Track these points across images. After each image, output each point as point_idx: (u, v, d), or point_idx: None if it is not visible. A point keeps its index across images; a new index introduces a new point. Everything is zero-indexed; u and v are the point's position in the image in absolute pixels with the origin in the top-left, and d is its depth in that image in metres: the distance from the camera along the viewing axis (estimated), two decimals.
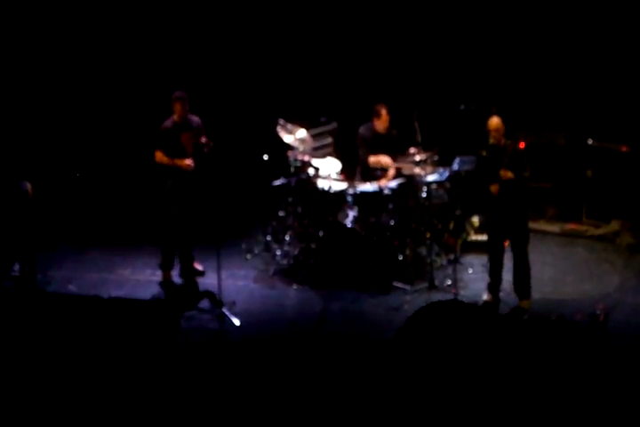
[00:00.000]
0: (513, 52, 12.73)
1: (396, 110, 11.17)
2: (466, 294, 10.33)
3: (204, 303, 10.21)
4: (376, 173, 11.21)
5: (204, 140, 10.21)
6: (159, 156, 10.39)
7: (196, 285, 10.65)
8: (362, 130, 11.26)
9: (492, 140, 9.76)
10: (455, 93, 12.47)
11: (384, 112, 11.02)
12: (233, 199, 11.85)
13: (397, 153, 11.10)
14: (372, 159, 11.17)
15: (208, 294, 10.32)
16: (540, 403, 7.61)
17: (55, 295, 9.93)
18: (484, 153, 9.87)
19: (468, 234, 11.59)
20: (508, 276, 10.13)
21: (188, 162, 10.31)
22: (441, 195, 11.32)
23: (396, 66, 13.19)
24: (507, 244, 10.15)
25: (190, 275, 10.71)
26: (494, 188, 9.71)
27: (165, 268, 10.67)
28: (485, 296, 10.14)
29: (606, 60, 12.35)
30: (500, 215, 9.87)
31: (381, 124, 11.07)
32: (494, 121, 9.75)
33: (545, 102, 12.58)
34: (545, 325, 8.81)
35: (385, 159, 11.10)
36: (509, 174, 9.65)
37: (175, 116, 10.37)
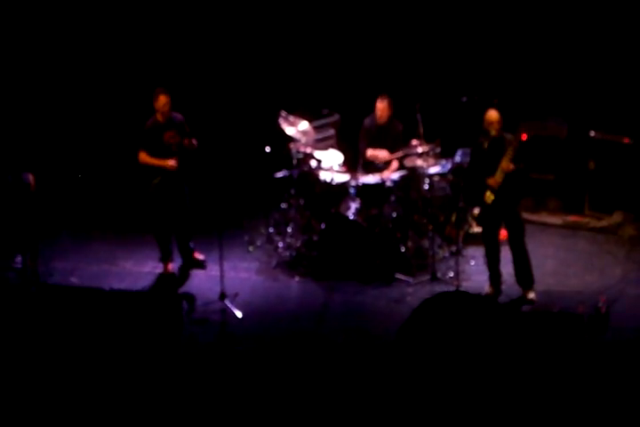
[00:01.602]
0: (515, 43, 12.70)
1: (399, 102, 11.16)
2: (468, 285, 10.33)
3: (206, 296, 10.21)
4: (378, 166, 11.20)
5: (186, 141, 10.22)
6: (142, 156, 10.36)
7: (197, 277, 10.67)
8: (366, 122, 11.28)
9: (493, 133, 9.71)
10: (457, 85, 12.45)
11: (378, 103, 11.01)
12: (235, 191, 11.86)
13: (398, 146, 11.07)
14: (369, 153, 11.18)
15: (186, 296, 10.30)
16: (542, 395, 7.61)
17: (57, 287, 9.94)
18: (486, 145, 9.82)
19: (470, 226, 11.58)
20: (510, 268, 10.13)
21: (171, 162, 10.28)
22: (443, 187, 11.30)
23: (398, 58, 13.17)
24: (503, 237, 10.16)
25: (190, 267, 10.73)
26: (493, 181, 9.68)
27: (165, 259, 10.68)
28: (487, 289, 10.14)
29: (609, 52, 12.32)
30: (494, 206, 9.84)
31: (377, 113, 11.07)
32: (494, 114, 9.70)
33: (547, 94, 12.56)
34: (547, 317, 8.81)
35: (382, 154, 11.09)
36: (511, 167, 9.63)
37: (158, 115, 10.32)
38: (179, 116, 10.49)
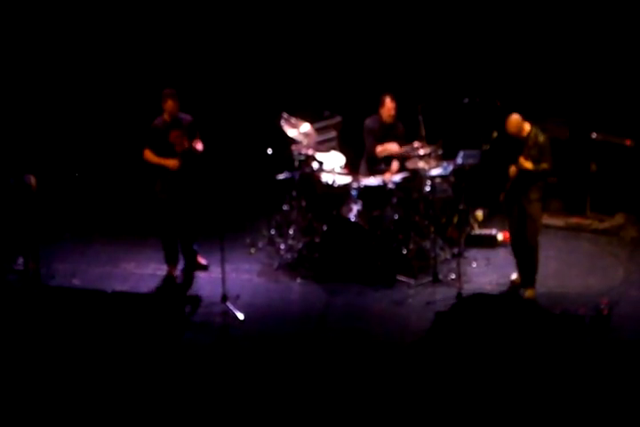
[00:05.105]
0: (517, 45, 12.71)
1: (401, 104, 11.17)
2: (470, 287, 10.32)
3: (208, 298, 10.21)
4: (380, 167, 11.21)
5: (186, 143, 10.20)
6: (147, 154, 10.37)
7: (198, 279, 10.67)
8: (368, 122, 11.28)
9: (524, 135, 9.73)
10: (459, 87, 12.45)
11: (387, 100, 11.05)
12: (237, 193, 11.86)
13: (403, 144, 11.11)
14: (380, 149, 11.19)
15: (210, 289, 10.31)
16: (543, 396, 7.62)
17: (59, 289, 9.97)
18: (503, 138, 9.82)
19: (471, 228, 11.58)
20: (510, 270, 10.14)
21: (173, 162, 10.26)
22: (445, 189, 11.30)
23: (400, 59, 13.17)
24: (506, 238, 10.16)
25: (193, 269, 10.72)
26: (513, 170, 9.69)
27: (170, 262, 10.67)
28: (514, 276, 10.19)
29: (610, 54, 12.32)
30: (511, 204, 9.88)
31: (386, 112, 11.09)
32: (517, 118, 9.72)
33: (549, 96, 12.56)
34: (549, 319, 8.82)
35: (392, 146, 11.12)
36: (528, 164, 9.66)
37: (166, 115, 10.34)
38: (187, 117, 10.48)
